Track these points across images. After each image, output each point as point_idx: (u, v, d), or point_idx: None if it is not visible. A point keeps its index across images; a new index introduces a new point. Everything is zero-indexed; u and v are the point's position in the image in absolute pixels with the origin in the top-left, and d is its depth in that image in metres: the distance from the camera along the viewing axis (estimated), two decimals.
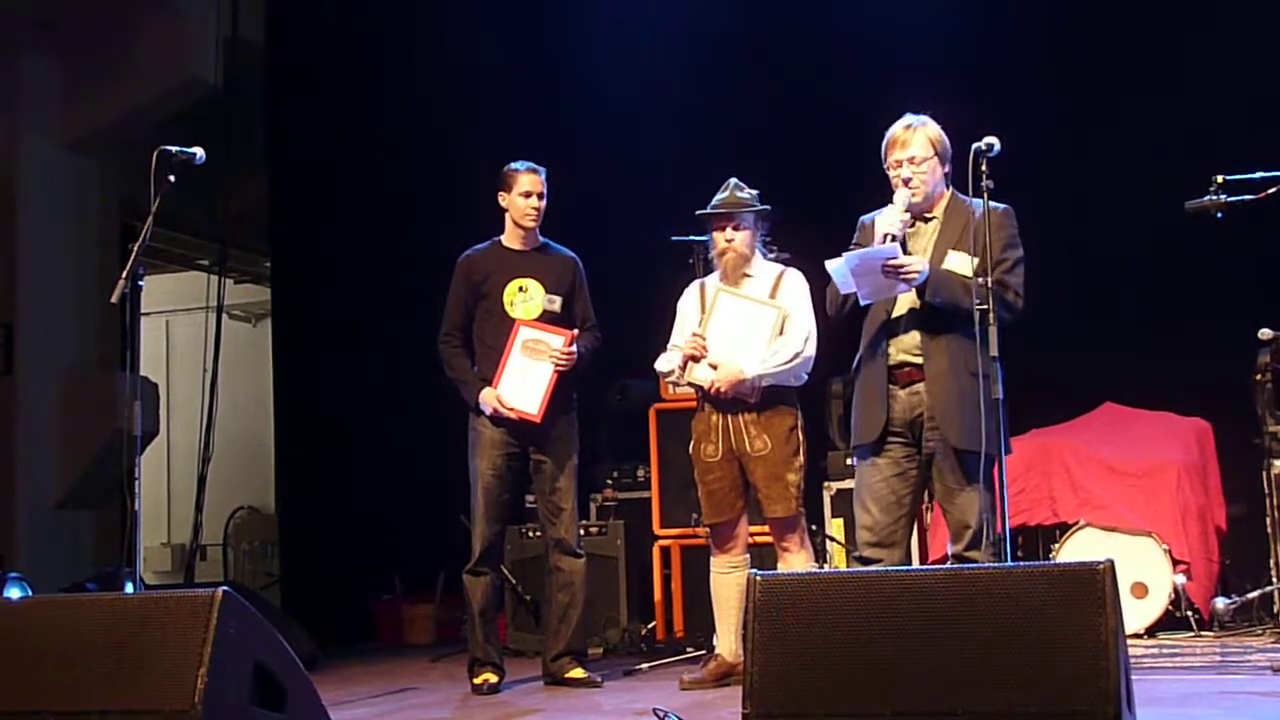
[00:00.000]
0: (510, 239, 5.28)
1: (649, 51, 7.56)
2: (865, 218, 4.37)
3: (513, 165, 5.24)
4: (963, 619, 2.72)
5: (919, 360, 4.15)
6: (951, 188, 4.29)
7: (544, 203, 5.22)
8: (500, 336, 5.14)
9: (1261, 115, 6.45)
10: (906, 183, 4.18)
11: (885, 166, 4.26)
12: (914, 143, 4.21)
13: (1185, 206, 4.64)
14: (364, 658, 6.76)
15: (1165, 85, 6.76)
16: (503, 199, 5.24)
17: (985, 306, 3.85)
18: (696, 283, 5.18)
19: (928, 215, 4.25)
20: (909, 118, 4.28)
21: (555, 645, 5.19)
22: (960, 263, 4.11)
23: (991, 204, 4.05)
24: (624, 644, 6.35)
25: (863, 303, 4.19)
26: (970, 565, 3.84)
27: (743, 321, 4.86)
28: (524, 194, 5.19)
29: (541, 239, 5.31)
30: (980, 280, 3.92)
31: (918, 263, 4.07)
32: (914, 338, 4.16)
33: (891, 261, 4.03)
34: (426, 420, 7.17)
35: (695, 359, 4.85)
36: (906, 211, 4.15)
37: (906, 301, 4.18)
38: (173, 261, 10.27)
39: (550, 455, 5.18)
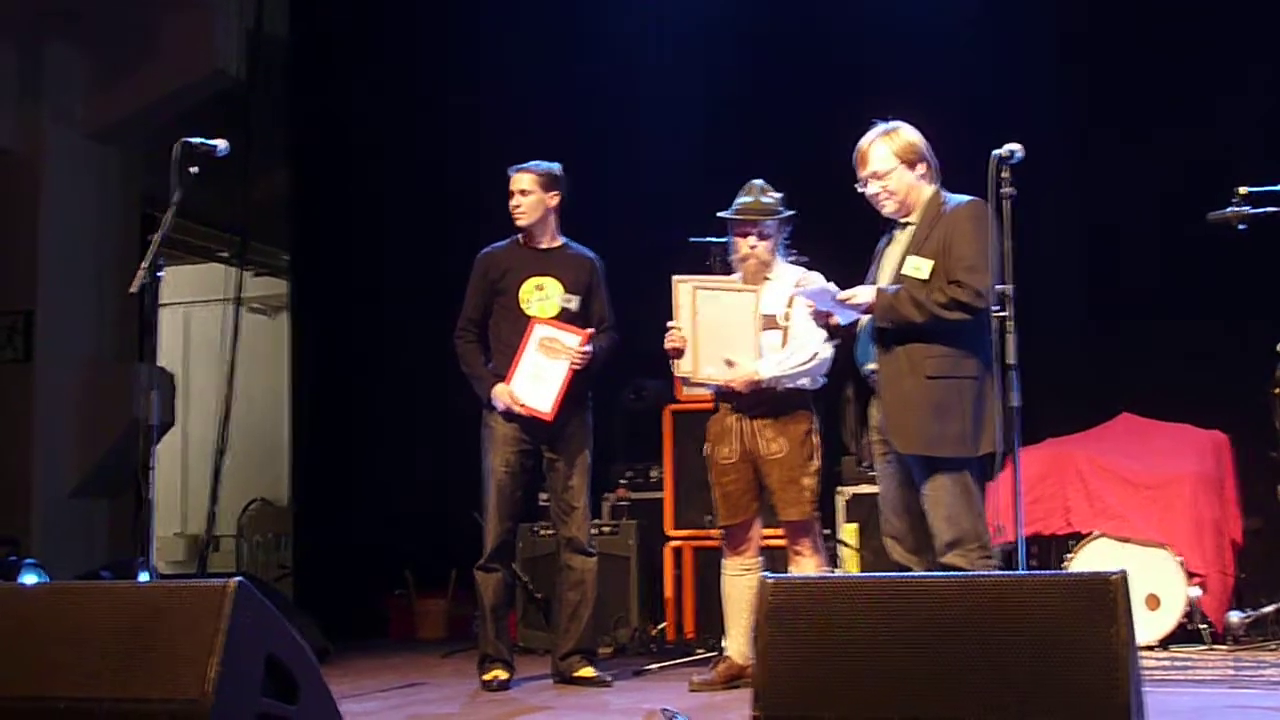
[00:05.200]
0: (526, 237, 5.28)
1: (664, 50, 7.55)
2: (882, 243, 4.43)
3: None
4: (974, 626, 2.71)
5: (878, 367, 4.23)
6: (938, 185, 4.28)
7: (530, 199, 5.18)
8: (516, 334, 5.13)
9: None
10: (874, 199, 4.24)
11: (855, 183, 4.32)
12: (873, 157, 4.23)
13: (1207, 218, 4.63)
14: (375, 652, 6.77)
15: (1187, 97, 6.72)
16: None
17: (1005, 314, 3.83)
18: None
19: (904, 220, 4.27)
20: (874, 130, 4.29)
21: (565, 643, 5.19)
22: (916, 266, 4.14)
23: (960, 197, 4.09)
24: (634, 644, 6.35)
25: (844, 323, 4.39)
26: (981, 574, 3.81)
27: (723, 312, 4.85)
28: (509, 193, 5.21)
29: (562, 238, 5.31)
30: (995, 287, 3.91)
31: (861, 293, 4.19)
32: (875, 347, 4.23)
33: (838, 297, 4.22)
34: (442, 416, 7.18)
35: (677, 352, 4.85)
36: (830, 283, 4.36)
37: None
38: (192, 253, 10.32)
39: (563, 453, 5.18)
